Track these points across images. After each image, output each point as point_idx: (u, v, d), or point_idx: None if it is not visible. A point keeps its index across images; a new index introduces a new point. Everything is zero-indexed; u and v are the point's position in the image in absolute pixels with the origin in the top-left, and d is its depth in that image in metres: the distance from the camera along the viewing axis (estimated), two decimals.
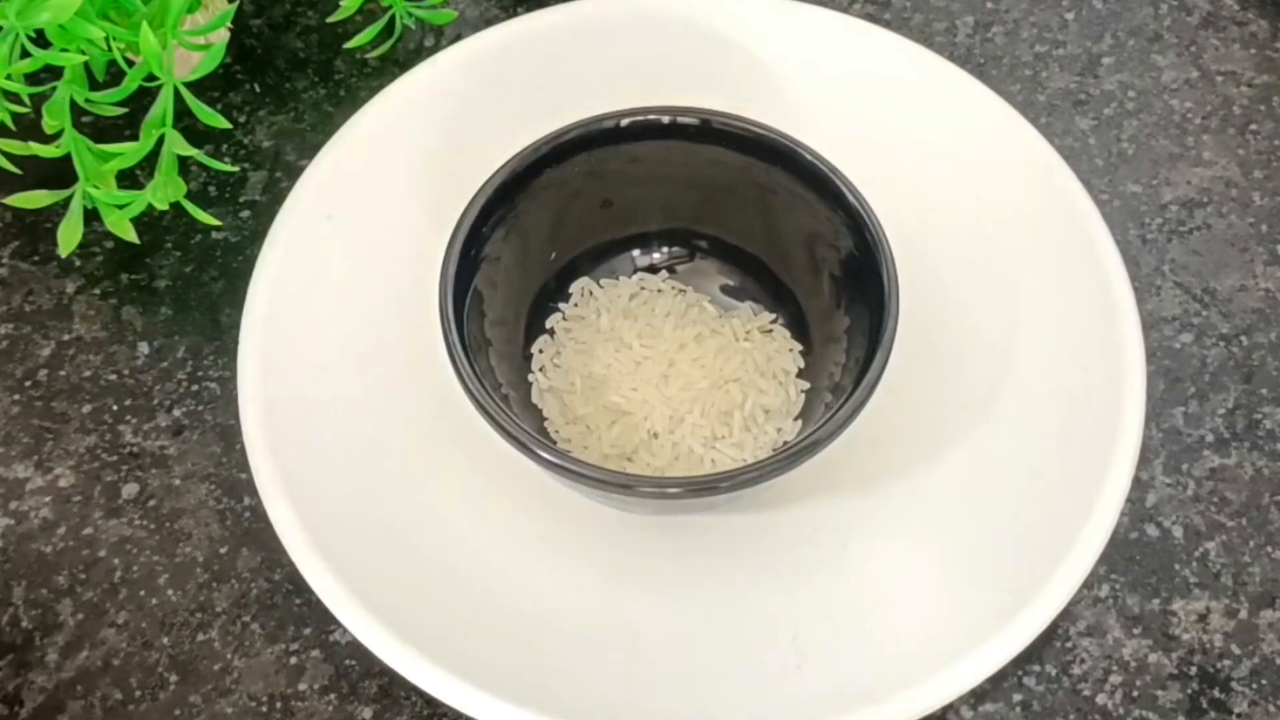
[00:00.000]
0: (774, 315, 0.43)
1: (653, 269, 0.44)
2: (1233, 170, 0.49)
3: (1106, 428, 0.39)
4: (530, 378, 0.42)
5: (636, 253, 0.44)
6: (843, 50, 0.48)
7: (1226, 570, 0.41)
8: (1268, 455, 0.43)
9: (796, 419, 0.42)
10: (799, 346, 0.43)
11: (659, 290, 0.44)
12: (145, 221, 0.45)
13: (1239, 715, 0.39)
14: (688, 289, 0.44)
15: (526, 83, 0.47)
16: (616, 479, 0.36)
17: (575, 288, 0.44)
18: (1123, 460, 0.39)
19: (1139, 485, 0.43)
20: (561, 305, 0.44)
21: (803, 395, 0.42)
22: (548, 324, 0.43)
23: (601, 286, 0.44)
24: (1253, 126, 0.51)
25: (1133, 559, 0.42)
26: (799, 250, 0.42)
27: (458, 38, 0.49)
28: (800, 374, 0.42)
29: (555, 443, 0.41)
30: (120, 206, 0.44)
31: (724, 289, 0.44)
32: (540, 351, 0.43)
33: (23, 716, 0.38)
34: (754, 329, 0.43)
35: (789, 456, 0.36)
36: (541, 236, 0.42)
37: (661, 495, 0.37)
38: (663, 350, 0.42)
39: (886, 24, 0.51)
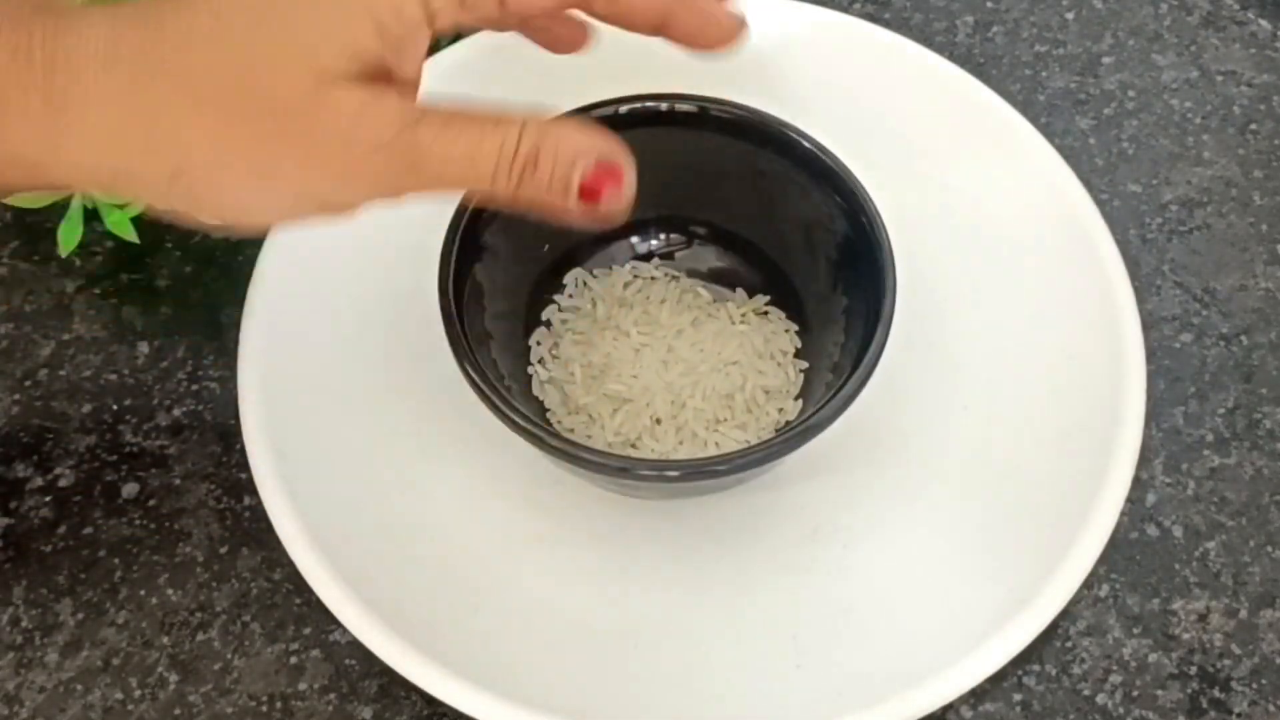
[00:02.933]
0: (767, 296, 0.44)
1: (650, 255, 0.45)
2: (1233, 170, 0.49)
3: (1106, 428, 0.39)
4: (530, 370, 0.42)
5: (634, 240, 0.45)
6: (843, 50, 0.48)
7: (1226, 570, 0.41)
8: (1268, 455, 0.43)
9: (797, 399, 0.42)
10: (795, 327, 0.43)
11: (652, 278, 0.44)
12: (145, 221, 0.45)
13: (1239, 715, 0.39)
14: (680, 275, 0.44)
15: (526, 83, 0.47)
16: (617, 463, 0.37)
17: (569, 278, 0.44)
18: (1123, 460, 0.39)
19: (1139, 485, 0.43)
20: (556, 297, 0.44)
21: (802, 375, 0.42)
22: (543, 316, 0.43)
23: (595, 276, 0.44)
24: (1253, 126, 0.50)
25: (1133, 559, 0.42)
26: (796, 234, 0.43)
27: (457, 37, 0.49)
28: (798, 354, 0.43)
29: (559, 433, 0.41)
30: (120, 206, 0.44)
31: (721, 274, 0.44)
32: (538, 344, 0.43)
33: (23, 716, 0.38)
34: (749, 310, 0.43)
35: (790, 438, 0.36)
36: (537, 228, 0.42)
37: (660, 479, 0.37)
38: (661, 336, 0.43)
39: (886, 24, 0.51)
